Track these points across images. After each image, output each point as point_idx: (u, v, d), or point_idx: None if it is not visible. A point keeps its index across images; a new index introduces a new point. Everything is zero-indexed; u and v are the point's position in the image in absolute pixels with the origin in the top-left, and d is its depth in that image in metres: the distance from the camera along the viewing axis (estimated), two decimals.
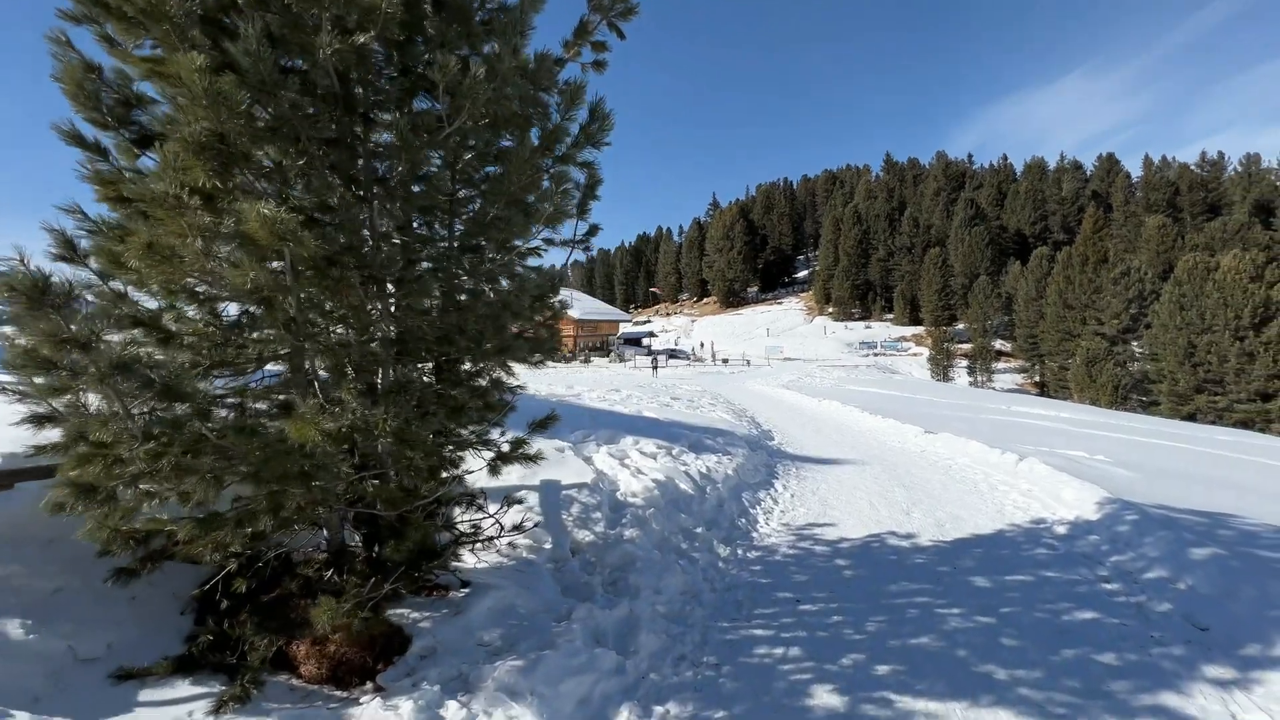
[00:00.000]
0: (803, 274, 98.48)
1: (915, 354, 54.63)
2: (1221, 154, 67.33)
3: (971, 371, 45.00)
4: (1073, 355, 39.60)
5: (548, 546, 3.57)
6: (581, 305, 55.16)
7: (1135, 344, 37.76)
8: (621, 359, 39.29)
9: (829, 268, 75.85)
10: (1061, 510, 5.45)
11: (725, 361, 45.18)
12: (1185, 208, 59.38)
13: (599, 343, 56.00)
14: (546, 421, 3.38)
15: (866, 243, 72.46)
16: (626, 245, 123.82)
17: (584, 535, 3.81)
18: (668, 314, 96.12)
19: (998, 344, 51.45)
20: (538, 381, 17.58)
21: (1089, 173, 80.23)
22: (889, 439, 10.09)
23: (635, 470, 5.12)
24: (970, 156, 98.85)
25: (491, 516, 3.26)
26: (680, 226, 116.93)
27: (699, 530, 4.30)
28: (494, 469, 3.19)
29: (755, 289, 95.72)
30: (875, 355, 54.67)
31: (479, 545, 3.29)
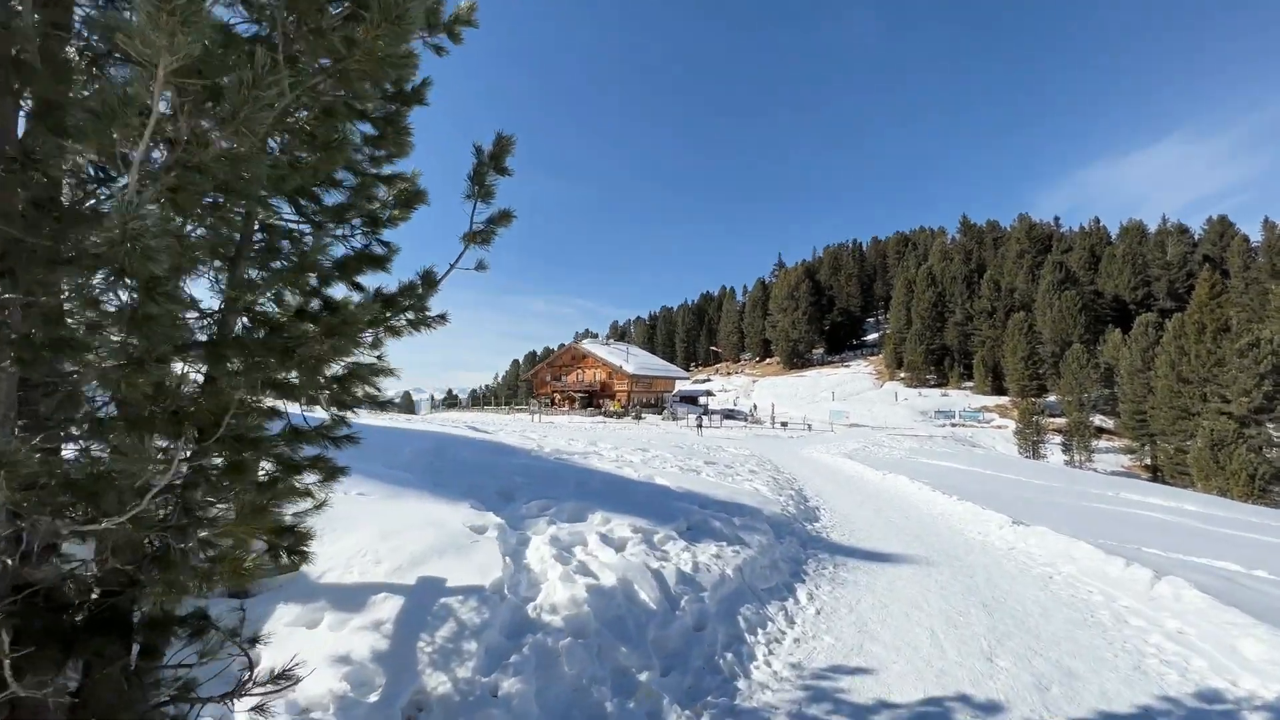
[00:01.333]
0: (872, 337, 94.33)
1: (999, 426, 49.66)
2: None
3: (1067, 449, 40.03)
4: (1191, 436, 34.36)
5: (373, 699, 2.21)
6: (637, 360, 54.46)
7: (1272, 426, 32.28)
8: (675, 417, 37.70)
9: (900, 330, 72.01)
10: (1247, 679, 3.47)
11: (784, 425, 42.56)
12: None
13: (654, 399, 54.74)
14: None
15: (942, 305, 68.50)
16: (689, 304, 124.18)
17: (439, 681, 2.39)
18: (728, 373, 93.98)
19: (1097, 420, 45.92)
20: (557, 435, 16.38)
21: (1197, 237, 73.34)
22: (966, 528, 8.02)
23: (577, 567, 3.65)
24: (1057, 219, 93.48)
25: (241, 652, 1.93)
26: (744, 286, 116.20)
27: (644, 677, 2.76)
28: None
29: (821, 351, 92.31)
30: (953, 425, 50.15)
31: (205, 704, 1.95)
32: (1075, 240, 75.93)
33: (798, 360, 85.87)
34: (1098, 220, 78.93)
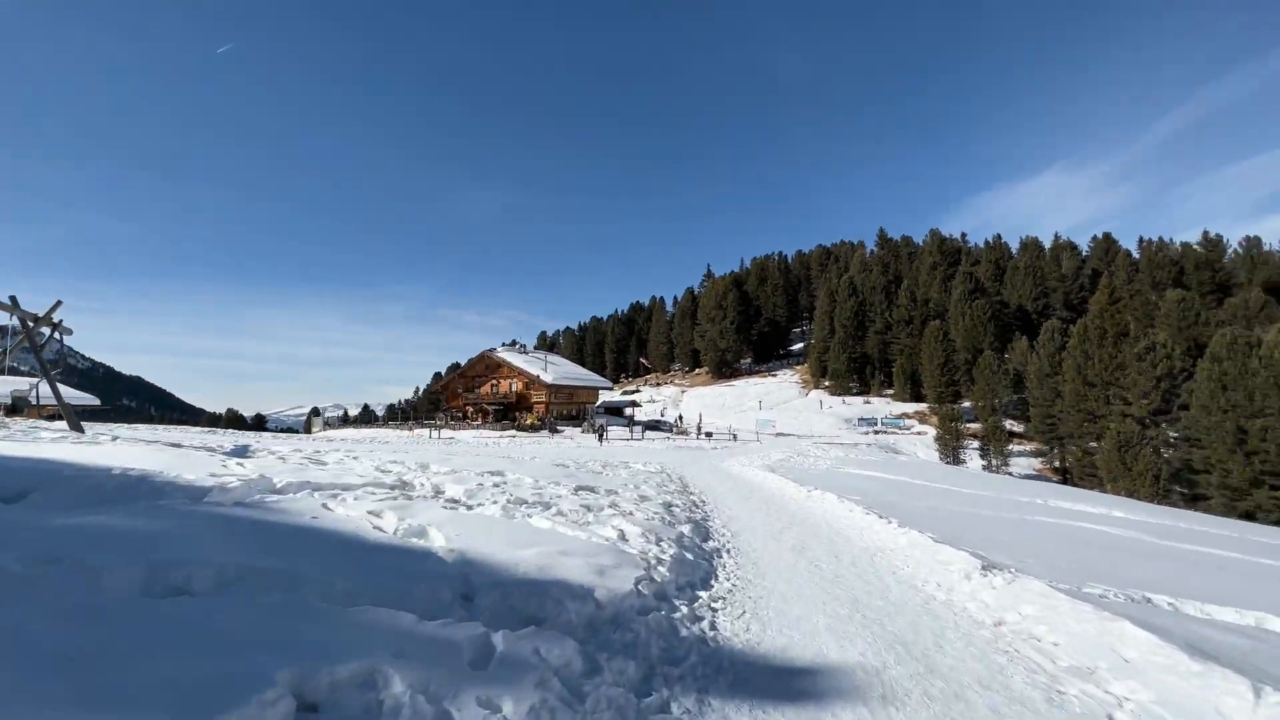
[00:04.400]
0: (798, 346, 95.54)
1: (919, 432, 50.13)
2: (1220, 235, 65.88)
3: (985, 454, 40.36)
4: (1099, 438, 35.19)
5: None
6: (557, 370, 51.24)
7: (1168, 427, 33.47)
8: (594, 429, 34.79)
9: (824, 340, 72.75)
10: None
11: (709, 435, 40.63)
12: (1193, 286, 56.85)
13: (576, 411, 51.63)
14: None
15: (863, 315, 69.71)
16: (619, 314, 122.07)
17: None
18: (658, 384, 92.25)
19: (1009, 424, 47.07)
20: (385, 455, 13.09)
21: (1084, 253, 78.94)
22: (921, 578, 5.66)
23: None
24: (964, 235, 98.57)
25: None
26: (675, 296, 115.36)
27: None
28: None
29: (748, 360, 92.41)
30: (876, 433, 50.15)
31: None
32: (982, 254, 79.88)
33: (726, 370, 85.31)
34: (999, 236, 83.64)
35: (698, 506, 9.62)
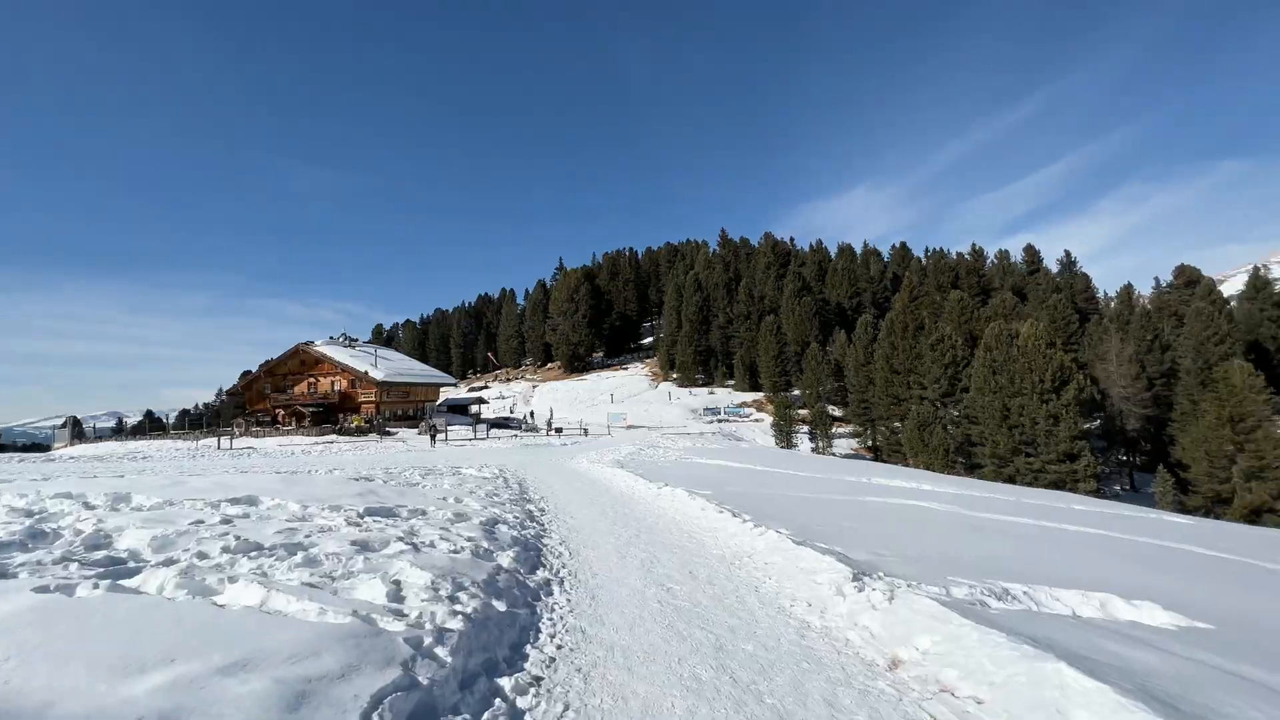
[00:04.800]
0: (648, 340, 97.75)
1: (758, 420, 53.52)
2: (982, 248, 79.85)
3: (813, 437, 44.05)
4: (902, 419, 40.11)
5: None
6: (390, 366, 46.09)
7: (953, 407, 39.15)
8: (433, 431, 31.41)
9: (672, 333, 75.00)
10: None
11: (559, 431, 39.17)
12: (966, 288, 68.02)
13: (414, 411, 46.94)
14: None
15: (707, 309, 73.00)
16: (467, 306, 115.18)
17: None
18: (508, 379, 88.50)
19: (831, 409, 52.18)
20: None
21: (887, 259, 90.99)
22: (788, 594, 4.82)
23: None
24: (792, 239, 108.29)
25: None
26: (526, 289, 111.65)
27: None
28: None
29: (600, 355, 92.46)
30: (720, 421, 52.54)
31: None
32: (808, 257, 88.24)
33: (578, 364, 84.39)
34: (821, 241, 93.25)
35: (534, 519, 8.14)
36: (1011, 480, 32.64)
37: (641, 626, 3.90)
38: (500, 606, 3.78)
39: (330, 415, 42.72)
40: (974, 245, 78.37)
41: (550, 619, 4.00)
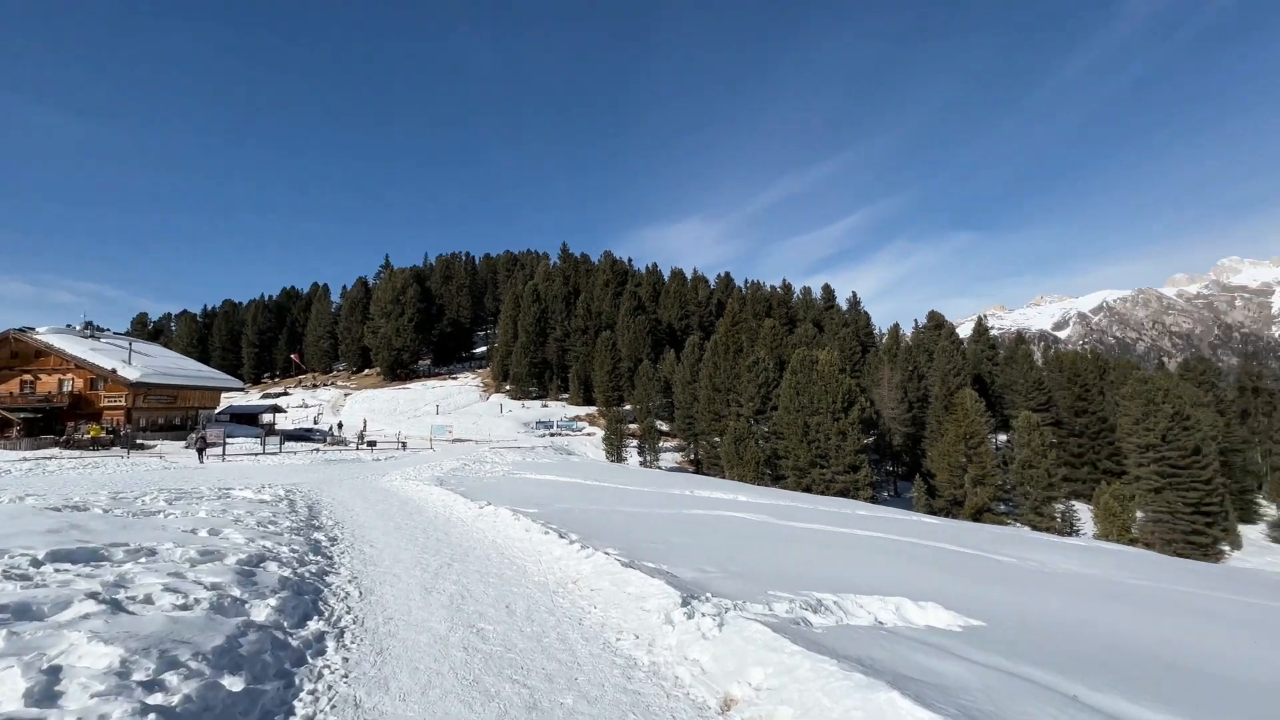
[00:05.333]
0: (481, 350, 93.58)
1: (589, 433, 53.79)
2: (790, 284, 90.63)
3: (641, 451, 45.37)
4: (721, 434, 43.18)
5: None
6: (149, 363, 37.68)
7: (763, 424, 43.23)
8: (202, 444, 25.92)
9: (508, 344, 72.72)
10: None
11: (371, 445, 35.20)
12: (778, 318, 76.38)
13: (185, 419, 38.87)
14: None
15: (545, 322, 72.12)
16: (267, 299, 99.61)
17: None
18: (315, 385, 78.09)
19: (660, 424, 54.46)
20: None
21: (713, 286, 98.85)
22: (615, 626, 4.41)
23: None
24: (630, 260, 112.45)
25: None
26: (344, 285, 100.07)
27: None
28: None
29: (428, 362, 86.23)
30: (552, 435, 51.79)
31: None
32: (644, 278, 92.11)
33: (402, 371, 77.60)
34: (656, 265, 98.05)
35: (320, 552, 6.76)
36: (809, 489, 36.79)
37: (438, 688, 3.16)
38: (234, 684, 2.78)
39: (55, 423, 33.38)
40: (784, 280, 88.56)
41: (312, 691, 3.07)
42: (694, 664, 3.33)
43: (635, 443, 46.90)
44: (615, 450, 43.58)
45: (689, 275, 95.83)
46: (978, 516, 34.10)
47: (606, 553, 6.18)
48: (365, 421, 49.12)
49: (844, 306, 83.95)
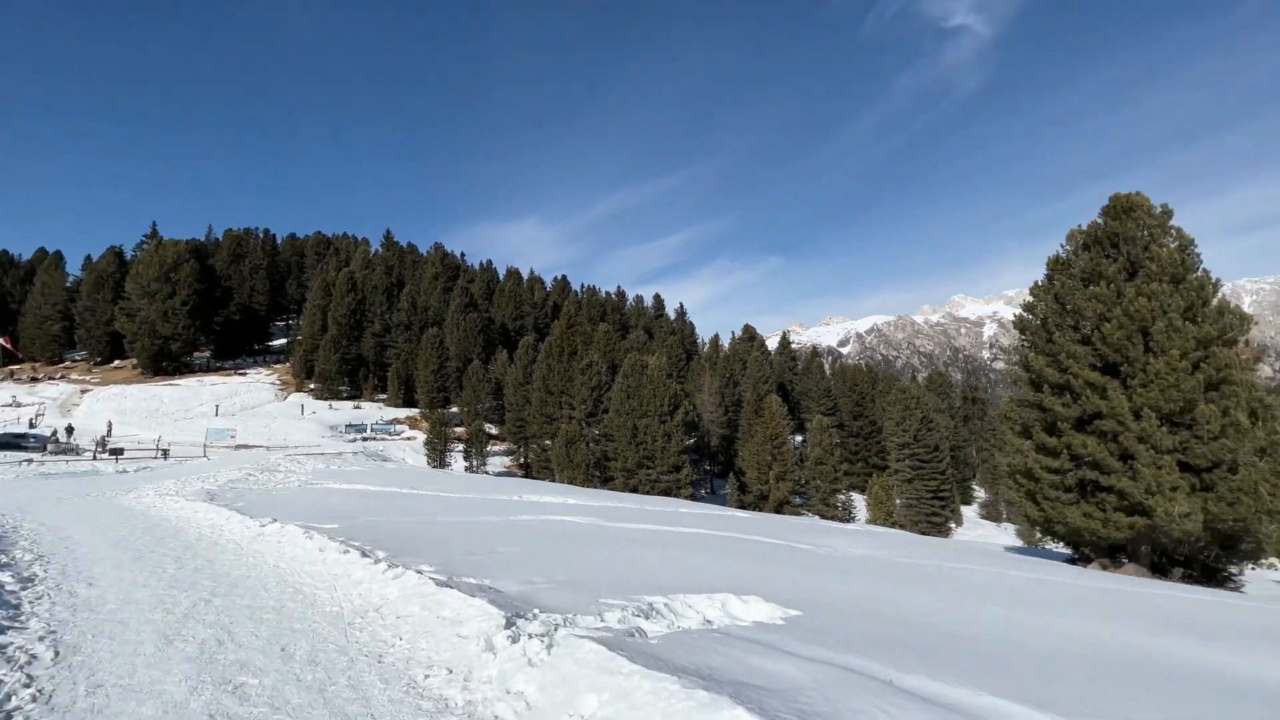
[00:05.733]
0: (280, 342, 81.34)
1: (409, 437, 49.61)
2: (625, 291, 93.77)
3: (468, 456, 43.04)
4: (552, 437, 42.75)
5: None
6: None
7: (594, 427, 43.78)
8: None
9: (314, 336, 64.23)
10: None
11: (117, 453, 28.30)
12: (611, 323, 78.31)
13: None
14: None
15: (361, 314, 65.07)
16: None
17: None
18: (35, 379, 61.08)
19: (489, 427, 52.25)
20: None
21: (549, 287, 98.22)
22: (422, 660, 3.79)
23: None
24: (463, 254, 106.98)
25: None
26: (88, 255, 79.84)
27: None
28: None
29: (208, 355, 72.69)
30: (364, 440, 46.72)
31: None
32: (477, 274, 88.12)
33: (170, 365, 64.22)
34: (491, 261, 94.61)
35: None
36: (635, 490, 38.02)
37: None
38: None
39: None
40: (619, 287, 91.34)
41: None
42: (518, 698, 2.90)
43: (461, 447, 44.33)
44: (438, 455, 40.72)
45: (525, 275, 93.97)
46: (779, 509, 38.20)
47: (419, 571, 5.44)
48: (110, 424, 39.55)
49: (672, 316, 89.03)
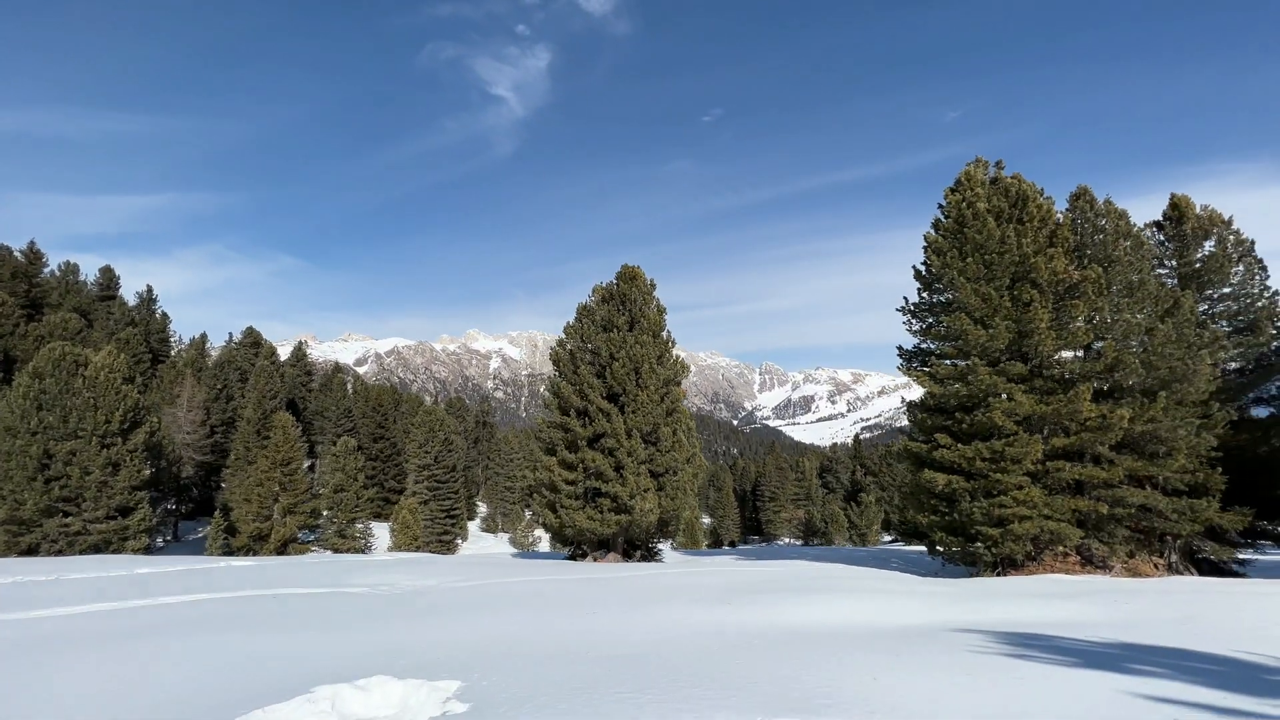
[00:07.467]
0: None
1: None
2: (43, 251, 63.01)
3: None
4: None
5: None
6: None
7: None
8: None
9: None
10: None
11: None
12: (14, 292, 50.80)
13: None
14: None
15: None
16: None
17: None
18: None
19: None
20: None
21: None
22: None
23: None
24: None
25: None
26: None
27: None
28: None
29: None
30: None
31: None
32: None
33: None
34: None
35: None
36: (33, 551, 25.19)
37: None
38: None
39: None
40: (32, 243, 60.68)
41: None
42: None
43: None
44: None
45: None
46: (284, 548, 32.23)
47: None
48: None
49: (132, 301, 65.28)
